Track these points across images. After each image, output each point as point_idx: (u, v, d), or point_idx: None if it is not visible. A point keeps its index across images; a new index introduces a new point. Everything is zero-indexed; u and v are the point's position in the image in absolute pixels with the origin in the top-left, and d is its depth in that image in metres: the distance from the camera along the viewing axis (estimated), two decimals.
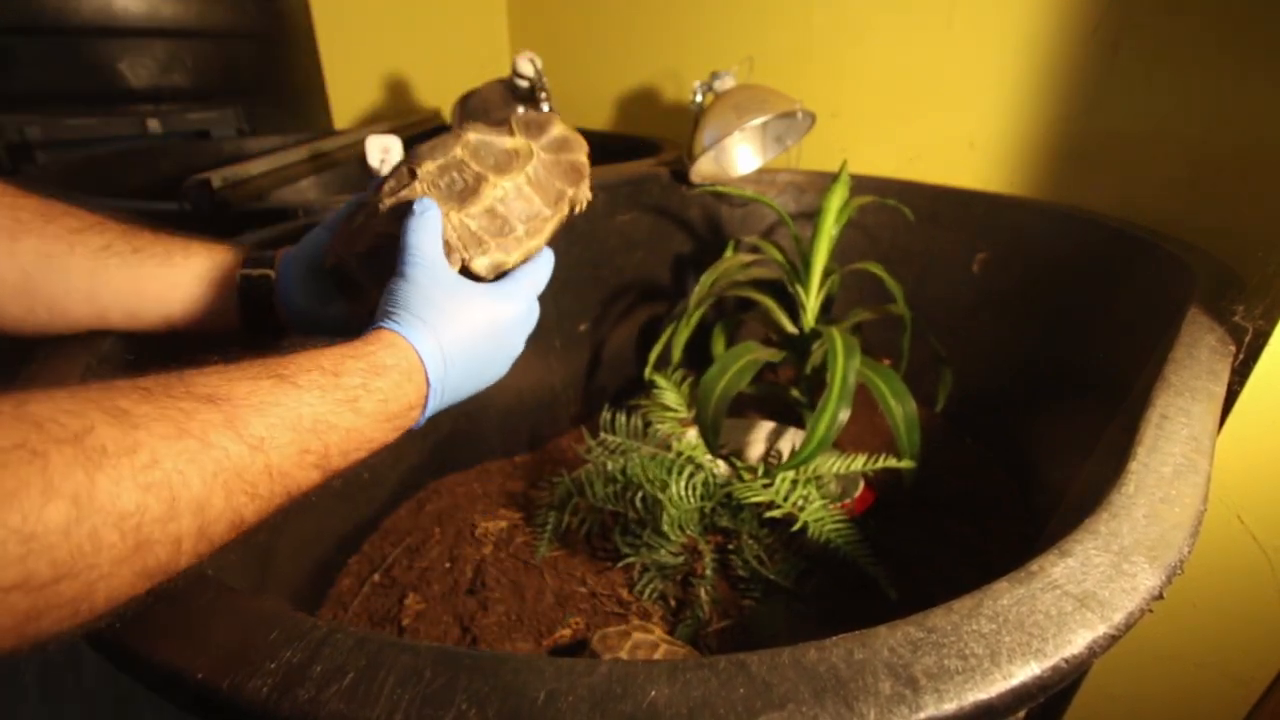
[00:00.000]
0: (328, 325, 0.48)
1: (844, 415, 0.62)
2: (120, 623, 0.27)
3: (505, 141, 0.45)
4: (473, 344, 0.41)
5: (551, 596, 0.69)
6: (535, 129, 0.47)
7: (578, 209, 0.48)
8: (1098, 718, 0.69)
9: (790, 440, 0.85)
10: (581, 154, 0.48)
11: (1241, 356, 0.52)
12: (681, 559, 0.70)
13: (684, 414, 0.80)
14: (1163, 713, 0.67)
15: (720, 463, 0.77)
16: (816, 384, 0.84)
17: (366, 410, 0.33)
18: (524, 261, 0.45)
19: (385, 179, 0.45)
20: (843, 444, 0.88)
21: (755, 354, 0.72)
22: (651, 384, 0.84)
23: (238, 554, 0.58)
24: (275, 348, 0.33)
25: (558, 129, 0.47)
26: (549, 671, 0.24)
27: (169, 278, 0.46)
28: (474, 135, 0.45)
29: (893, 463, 0.68)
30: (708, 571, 0.68)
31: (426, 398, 0.38)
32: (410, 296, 0.39)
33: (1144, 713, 0.68)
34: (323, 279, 0.48)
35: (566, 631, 0.65)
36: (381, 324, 0.38)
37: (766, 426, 0.88)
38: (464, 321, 0.40)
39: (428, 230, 0.41)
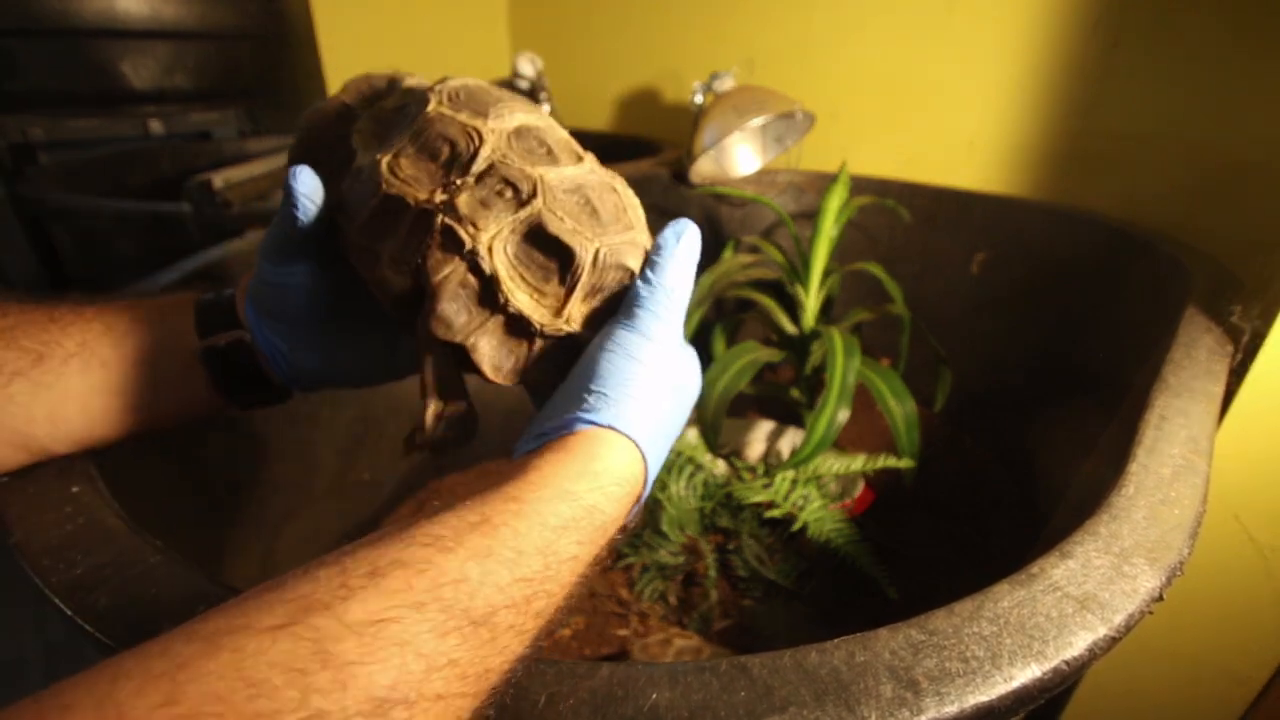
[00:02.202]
0: (345, 369, 0.37)
1: (843, 415, 0.62)
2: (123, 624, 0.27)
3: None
4: (672, 422, 0.32)
5: None
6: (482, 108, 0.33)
7: None
8: (1096, 716, 0.70)
9: (790, 440, 0.85)
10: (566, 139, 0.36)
11: (1239, 357, 0.52)
12: (681, 559, 0.70)
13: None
14: (1161, 711, 0.67)
15: (720, 463, 0.78)
16: (816, 384, 0.84)
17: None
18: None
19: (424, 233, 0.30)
20: (843, 444, 0.88)
21: (755, 354, 0.73)
22: None
23: (238, 553, 0.58)
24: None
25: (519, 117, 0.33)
26: (549, 674, 0.24)
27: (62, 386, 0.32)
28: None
29: (893, 462, 0.68)
30: (711, 572, 0.68)
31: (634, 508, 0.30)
32: (636, 376, 0.29)
33: (1142, 711, 0.68)
34: (341, 312, 0.36)
35: (566, 631, 0.65)
36: (603, 423, 0.28)
37: (766, 426, 0.88)
38: (668, 398, 0.31)
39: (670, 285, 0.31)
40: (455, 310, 0.30)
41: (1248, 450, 0.55)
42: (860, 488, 0.78)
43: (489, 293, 0.30)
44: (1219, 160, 0.78)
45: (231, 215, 0.78)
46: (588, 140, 0.50)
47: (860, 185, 0.95)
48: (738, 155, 1.01)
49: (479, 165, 0.31)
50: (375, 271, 0.31)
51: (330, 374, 0.37)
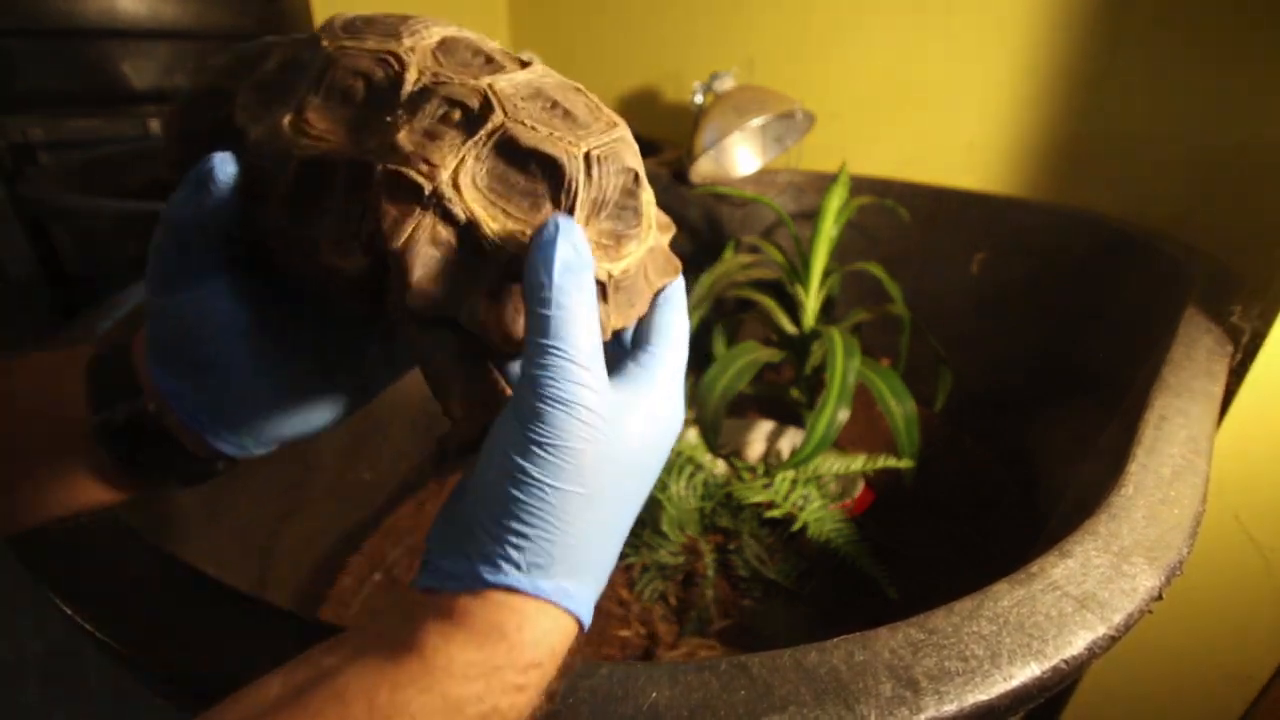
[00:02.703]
0: (295, 404, 0.28)
1: (843, 415, 0.62)
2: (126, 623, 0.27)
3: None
4: (624, 514, 0.23)
5: None
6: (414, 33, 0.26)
7: None
8: (1095, 715, 0.70)
9: (790, 440, 0.85)
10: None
11: (1239, 357, 0.52)
12: (681, 559, 0.70)
13: (684, 414, 0.80)
14: (1161, 711, 0.67)
15: (720, 463, 0.78)
16: (816, 384, 0.84)
17: None
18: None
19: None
20: (843, 444, 0.88)
21: (755, 354, 0.73)
22: None
23: (238, 553, 0.58)
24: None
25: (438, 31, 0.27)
26: None
27: None
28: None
29: (893, 462, 0.68)
30: (710, 572, 0.68)
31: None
32: (561, 512, 0.20)
33: (1142, 709, 0.68)
34: (270, 334, 0.26)
35: None
36: (514, 588, 0.20)
37: (766, 426, 0.88)
38: (617, 483, 0.22)
39: (577, 320, 0.22)
40: (433, 276, 0.23)
41: (1248, 450, 0.55)
42: (860, 488, 0.78)
43: (470, 241, 0.23)
44: (1219, 160, 0.78)
45: None
46: None
47: (860, 185, 0.95)
48: (738, 155, 1.01)
49: (407, 91, 0.24)
50: (316, 263, 0.24)
51: (278, 420, 0.27)
